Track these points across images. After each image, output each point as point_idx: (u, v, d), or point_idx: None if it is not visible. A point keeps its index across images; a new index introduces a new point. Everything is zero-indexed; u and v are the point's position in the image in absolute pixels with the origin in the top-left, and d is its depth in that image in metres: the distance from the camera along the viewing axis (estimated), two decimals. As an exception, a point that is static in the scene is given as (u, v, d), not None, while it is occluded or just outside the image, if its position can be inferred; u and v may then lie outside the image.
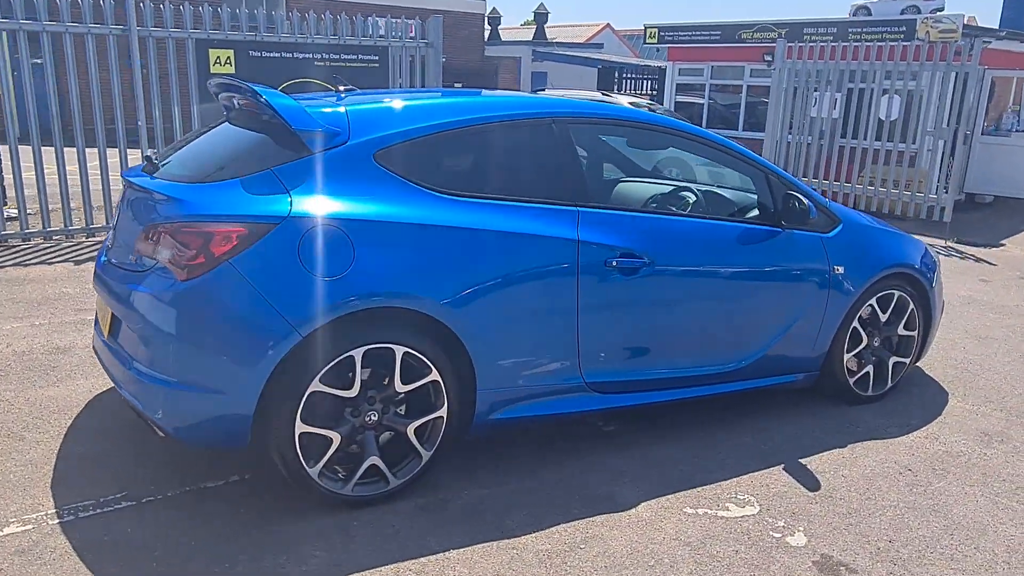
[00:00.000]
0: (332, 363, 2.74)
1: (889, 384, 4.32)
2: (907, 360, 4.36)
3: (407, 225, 2.87)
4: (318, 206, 2.76)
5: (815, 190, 4.79)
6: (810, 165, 11.06)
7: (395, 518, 2.90)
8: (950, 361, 5.05)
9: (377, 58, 8.11)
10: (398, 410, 2.95)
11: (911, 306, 4.26)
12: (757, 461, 3.54)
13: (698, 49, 14.24)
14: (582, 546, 2.81)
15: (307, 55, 7.70)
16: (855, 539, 2.94)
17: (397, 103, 3.19)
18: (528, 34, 33.94)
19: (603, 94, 13.76)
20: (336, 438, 2.82)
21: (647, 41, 14.54)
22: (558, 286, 3.16)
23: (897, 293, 4.19)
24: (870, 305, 4.10)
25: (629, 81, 20.23)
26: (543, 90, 13.63)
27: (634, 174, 4.27)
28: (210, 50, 7.18)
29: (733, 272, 3.65)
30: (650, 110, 12.92)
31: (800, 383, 4.07)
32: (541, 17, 33.08)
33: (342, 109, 3.01)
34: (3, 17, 6.30)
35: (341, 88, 3.51)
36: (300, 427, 2.73)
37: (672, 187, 4.14)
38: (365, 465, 2.88)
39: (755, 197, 3.90)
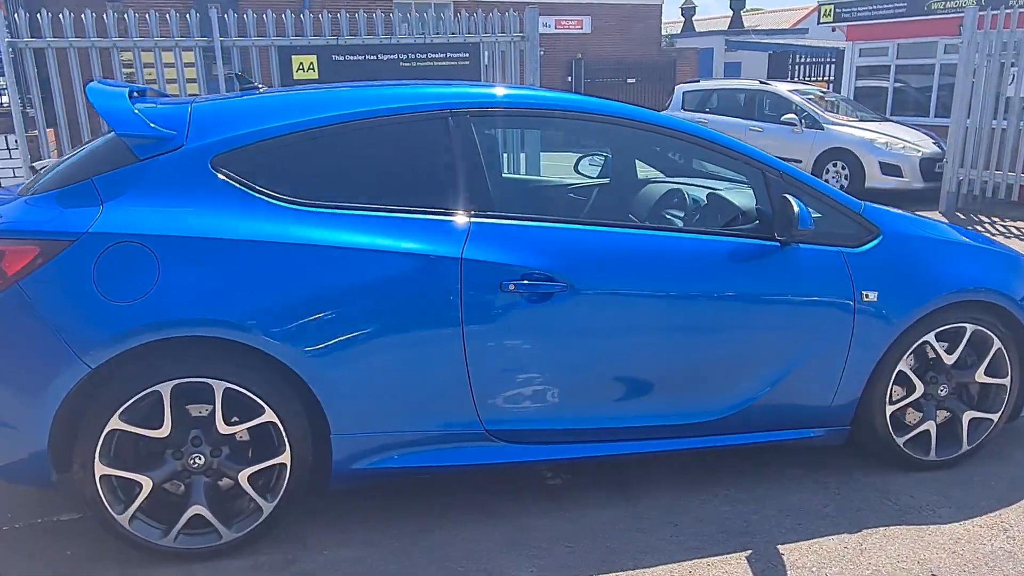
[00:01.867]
0: (133, 399, 2.40)
1: (964, 447, 3.25)
2: (994, 416, 3.26)
3: (232, 242, 2.46)
4: (125, 221, 2.43)
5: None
6: (1004, 156, 9.20)
7: (220, 578, 2.52)
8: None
9: (467, 55, 7.75)
10: (228, 454, 2.55)
11: (996, 345, 3.17)
12: (722, 542, 2.74)
13: (881, 25, 12.49)
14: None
15: (392, 56, 7.51)
16: None
17: (255, 100, 2.80)
18: (726, 24, 32.20)
19: (760, 82, 12.45)
20: (146, 483, 2.47)
21: (822, 20, 13.01)
22: (434, 314, 2.60)
23: (971, 327, 3.12)
24: (926, 342, 3.09)
25: (803, 67, 18.28)
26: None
27: (622, 175, 3.54)
28: (293, 57, 7.21)
29: (700, 298, 2.84)
30: (817, 100, 11.50)
31: (822, 440, 3.15)
32: (738, 3, 31.22)
33: (188, 109, 2.66)
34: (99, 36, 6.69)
35: (261, 87, 3.19)
36: (100, 469, 2.42)
37: (630, 191, 3.37)
38: (187, 515, 2.52)
39: (750, 203, 3.06)
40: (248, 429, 2.54)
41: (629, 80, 21.26)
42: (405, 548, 2.69)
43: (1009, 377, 3.23)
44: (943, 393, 3.20)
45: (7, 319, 2.37)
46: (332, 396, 2.56)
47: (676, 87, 13.51)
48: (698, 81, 13.58)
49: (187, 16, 6.90)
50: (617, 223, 2.84)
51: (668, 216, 3.42)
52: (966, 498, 3.04)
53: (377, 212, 2.61)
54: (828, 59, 17.68)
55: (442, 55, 7.63)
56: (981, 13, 9.33)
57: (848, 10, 12.74)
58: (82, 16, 6.69)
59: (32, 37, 6.57)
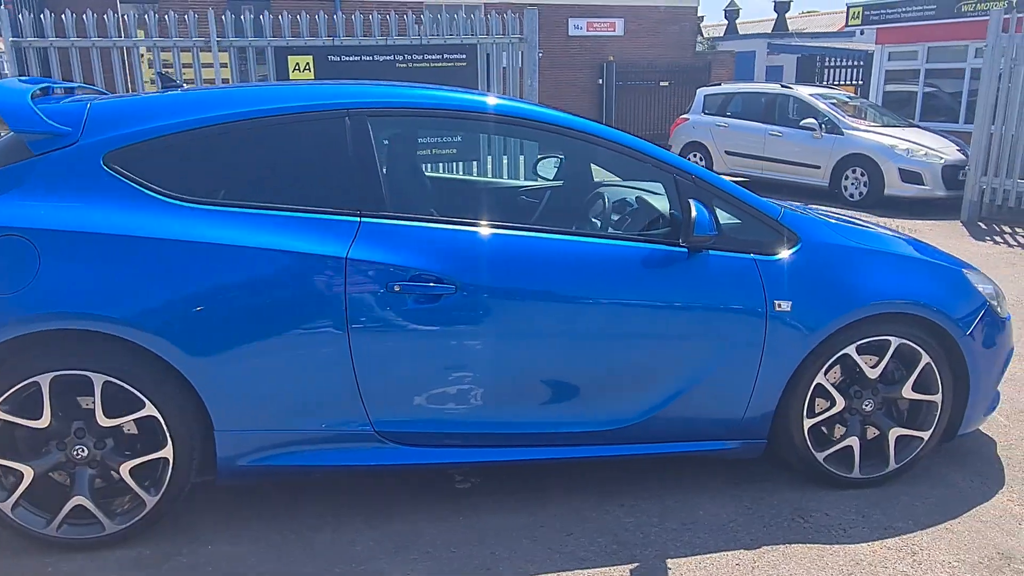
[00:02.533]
0: (12, 389, 2.45)
1: (892, 465, 3.13)
2: (924, 435, 3.13)
3: (114, 238, 2.49)
4: (8, 215, 2.48)
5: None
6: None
7: (97, 569, 2.55)
8: (1047, 437, 3.60)
9: (464, 56, 7.75)
10: (112, 447, 2.59)
11: (925, 360, 3.04)
12: (612, 553, 2.69)
13: (910, 28, 12.14)
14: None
15: (388, 57, 7.55)
16: None
17: (153, 98, 2.83)
18: (770, 27, 31.67)
19: (781, 86, 12.18)
20: (28, 472, 2.52)
21: (850, 23, 12.69)
22: (319, 314, 2.59)
23: (896, 340, 3.00)
24: (846, 355, 2.98)
25: (832, 71, 17.81)
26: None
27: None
28: (289, 57, 7.30)
29: (599, 304, 2.79)
30: (840, 104, 11.23)
31: (737, 453, 3.06)
32: (782, 7, 30.67)
33: (86, 106, 2.71)
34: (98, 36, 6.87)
35: (185, 86, 3.23)
36: (-19, 457, 2.48)
37: (537, 193, 3.32)
38: (69, 505, 2.56)
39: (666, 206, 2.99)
40: (135, 423, 2.57)
41: (662, 83, 21.04)
42: (289, 546, 2.70)
43: (940, 394, 3.09)
44: (868, 408, 3.09)
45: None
46: (215, 393, 2.57)
47: (698, 90, 13.32)
48: (720, 84, 13.36)
49: (186, 17, 7.04)
50: (517, 226, 2.80)
51: (592, 220, 3.37)
52: (883, 519, 2.92)
53: (267, 210, 2.62)
54: (858, 63, 17.25)
55: (439, 56, 7.65)
56: (1006, 16, 9.00)
57: (877, 12, 12.41)
58: (84, 16, 6.87)
59: (35, 37, 6.77)
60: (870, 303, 2.94)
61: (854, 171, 10.49)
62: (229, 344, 2.55)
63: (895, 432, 3.11)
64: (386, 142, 3.53)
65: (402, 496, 3.02)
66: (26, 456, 2.54)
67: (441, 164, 7.02)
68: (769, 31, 29.63)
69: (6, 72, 6.74)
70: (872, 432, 3.14)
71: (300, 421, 2.69)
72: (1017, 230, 8.82)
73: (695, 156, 12.82)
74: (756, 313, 2.87)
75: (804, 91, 11.68)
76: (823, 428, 3.13)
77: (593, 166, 3.69)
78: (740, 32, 30.28)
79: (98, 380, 2.49)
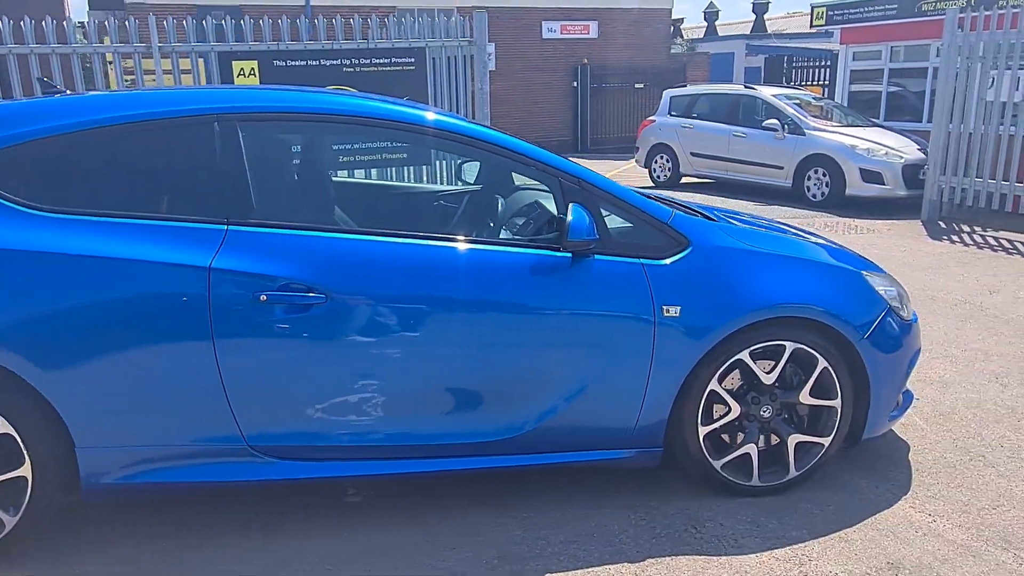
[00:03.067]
0: None
1: (793, 472, 3.07)
2: (824, 441, 3.07)
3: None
4: None
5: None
6: (985, 163, 8.83)
7: (-49, 594, 2.47)
8: (958, 436, 3.55)
9: (413, 60, 7.68)
10: (-35, 466, 2.50)
11: (822, 365, 2.99)
12: (493, 568, 2.61)
13: (873, 28, 12.14)
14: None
15: (335, 61, 7.47)
16: None
17: (12, 104, 2.75)
18: (749, 28, 31.72)
19: (745, 87, 12.15)
20: None
21: (815, 23, 12.68)
22: (182, 326, 2.51)
23: (791, 345, 2.95)
24: (740, 360, 2.92)
25: (800, 71, 17.82)
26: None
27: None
28: (233, 62, 7.22)
29: (479, 312, 2.72)
30: (804, 105, 11.18)
31: (634, 462, 2.99)
32: (760, 7, 30.74)
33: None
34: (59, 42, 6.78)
35: (68, 92, 3.14)
36: None
37: (456, 198, 3.25)
38: (-77, 527, 2.48)
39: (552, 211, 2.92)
40: (-8, 441, 2.48)
41: (637, 85, 21.04)
42: (156, 565, 2.61)
43: (840, 399, 3.03)
44: (767, 415, 3.03)
45: None
46: (74, 409, 2.49)
47: (664, 92, 13.30)
48: (686, 85, 13.33)
49: (127, 23, 6.95)
50: (398, 233, 2.72)
51: (492, 225, 3.30)
52: (778, 528, 2.86)
53: (129, 219, 2.54)
54: (826, 63, 17.26)
55: (387, 60, 7.58)
56: (961, 15, 9.00)
57: (840, 12, 12.41)
58: (43, 23, 6.74)
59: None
60: (762, 307, 2.88)
61: (816, 171, 10.47)
62: (87, 359, 2.47)
63: (794, 438, 3.05)
64: (296, 148, 3.47)
65: (290, 512, 2.94)
66: None
67: (393, 170, 6.95)
68: (748, 32, 29.71)
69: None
70: (772, 439, 3.08)
71: (168, 437, 2.61)
72: (976, 229, 8.81)
73: (662, 158, 12.81)
74: (644, 319, 2.80)
75: (767, 92, 11.66)
76: (722, 435, 3.07)
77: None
78: (720, 34, 30.32)
79: (-53, 397, 2.41)
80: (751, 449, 3.02)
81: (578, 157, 18.97)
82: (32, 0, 7.91)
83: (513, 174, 3.52)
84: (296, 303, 2.56)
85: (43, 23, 6.79)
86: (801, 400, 3.03)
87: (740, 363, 2.93)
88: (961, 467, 3.31)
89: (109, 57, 7.25)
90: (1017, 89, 8.66)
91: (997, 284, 6.38)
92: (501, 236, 3.17)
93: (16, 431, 2.46)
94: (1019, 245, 7.95)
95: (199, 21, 7.24)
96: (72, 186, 2.59)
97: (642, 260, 2.85)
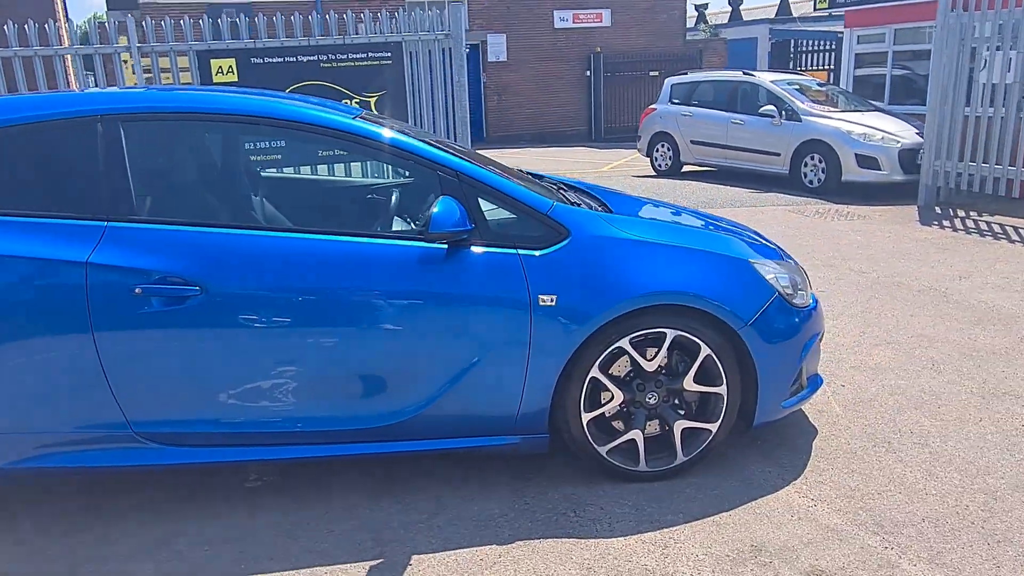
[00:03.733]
0: None
1: (680, 458, 3.11)
2: (711, 427, 3.11)
3: None
4: None
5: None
6: (978, 147, 8.65)
7: None
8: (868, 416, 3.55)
9: (390, 54, 7.77)
10: None
11: (705, 352, 3.02)
12: (365, 550, 2.71)
13: (877, 10, 11.90)
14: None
15: (311, 57, 7.60)
16: None
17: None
18: (773, 12, 31.21)
19: (743, 73, 12.01)
20: None
21: (818, 7, 12.47)
22: (62, 318, 2.64)
23: (672, 332, 2.98)
24: (620, 347, 2.96)
25: (806, 55, 17.49)
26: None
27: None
28: (212, 60, 7.38)
29: (351, 302, 2.80)
30: (804, 90, 11.04)
31: (523, 448, 3.05)
32: (785, -9, 30.23)
33: None
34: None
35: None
36: None
37: (386, 191, 3.33)
38: None
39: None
40: None
41: (651, 73, 20.88)
42: (48, 547, 2.76)
43: (725, 385, 3.06)
44: (653, 401, 3.07)
45: None
46: (-37, 397, 2.64)
47: (665, 80, 13.22)
48: (687, 73, 13.21)
49: (108, 25, 7.15)
50: (274, 227, 2.82)
51: (378, 218, 3.38)
52: (656, 512, 2.91)
53: (12, 216, 2.67)
54: (831, 47, 16.94)
55: (363, 55, 7.68)
56: (954, -5, 8.80)
57: (843, -5, 12.19)
58: (25, 26, 6.97)
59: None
60: (639, 295, 2.92)
61: (812, 158, 10.34)
62: (-22, 349, 2.61)
63: (680, 424, 3.09)
64: (211, 145, 3.56)
65: (181, 497, 3.07)
66: None
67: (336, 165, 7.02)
68: (772, 16, 29.25)
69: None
70: (660, 425, 3.12)
71: (58, 424, 2.74)
72: (971, 214, 8.65)
73: (663, 146, 12.74)
74: (520, 307, 2.86)
75: (765, 77, 11.53)
76: (612, 422, 3.12)
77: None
78: (744, 18, 29.91)
79: None
80: (636, 435, 3.06)
81: (591, 146, 18.94)
82: (23, 3, 8.12)
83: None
84: (171, 295, 2.68)
85: (45, 26, 7.03)
86: (686, 387, 3.06)
87: (621, 350, 2.98)
88: (862, 453, 3.31)
89: (125, 56, 7.50)
90: (1009, 71, 8.46)
91: (970, 270, 6.28)
92: (392, 229, 3.25)
93: (-95, 418, 2.62)
94: (1009, 230, 7.80)
95: (214, 20, 7.40)
96: (-38, 185, 2.73)
97: (519, 250, 2.91)
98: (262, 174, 3.32)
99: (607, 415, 3.10)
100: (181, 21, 7.38)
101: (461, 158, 3.04)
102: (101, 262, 2.65)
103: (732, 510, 2.92)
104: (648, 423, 3.11)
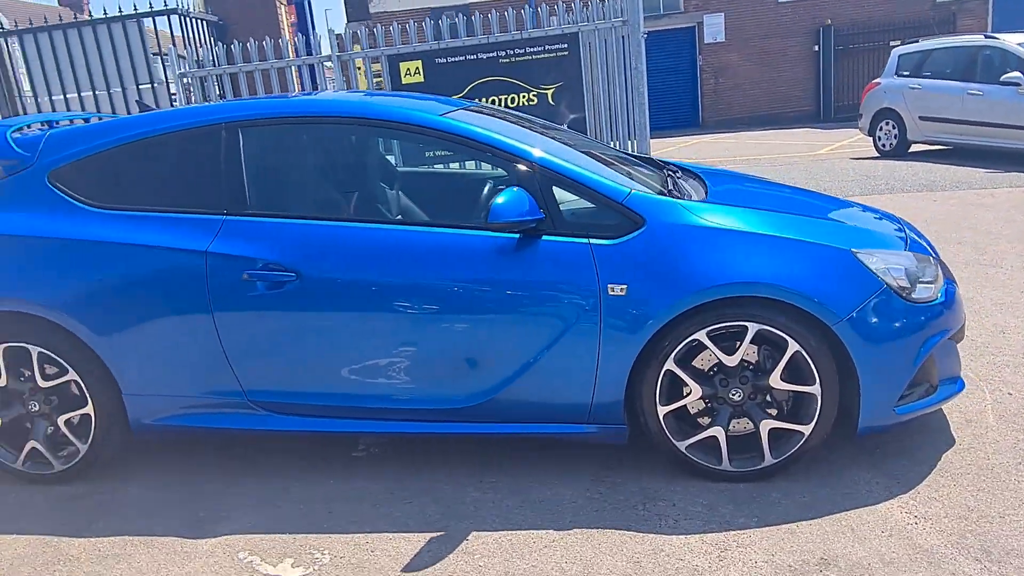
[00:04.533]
0: (-1, 353, 3.23)
1: (768, 459, 2.93)
2: (804, 429, 2.89)
3: (25, 239, 3.17)
4: (-24, 224, 3.27)
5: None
6: None
7: (42, 500, 3.27)
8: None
9: (566, 46, 7.83)
10: (49, 402, 3.28)
11: (794, 348, 2.81)
12: (432, 522, 2.87)
13: None
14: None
15: (491, 54, 7.87)
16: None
17: (92, 124, 3.46)
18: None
19: (985, 36, 10.51)
20: (-2, 420, 3.31)
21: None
22: (189, 298, 3.08)
23: (754, 327, 2.81)
24: (696, 340, 2.85)
25: None
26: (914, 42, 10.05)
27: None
28: (400, 63, 7.92)
29: (430, 289, 2.95)
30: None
31: (602, 438, 3.04)
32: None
33: (43, 132, 3.43)
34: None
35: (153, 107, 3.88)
36: None
37: (433, 181, 3.45)
38: (27, 447, 3.30)
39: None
40: (59, 384, 3.23)
41: (892, 43, 18.94)
42: (170, 487, 3.23)
43: (819, 385, 2.83)
44: (737, 398, 2.92)
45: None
46: (119, 362, 3.17)
47: (892, 50, 12.00)
48: (918, 41, 11.86)
49: (310, 39, 7.96)
50: (359, 218, 3.07)
51: (465, 209, 3.50)
52: (728, 513, 2.78)
53: (155, 212, 3.15)
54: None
55: (540, 48, 7.84)
56: None
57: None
58: (247, 45, 8.00)
59: (210, 67, 8.02)
60: (711, 286, 2.79)
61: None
62: (124, 325, 3.12)
63: (768, 424, 2.90)
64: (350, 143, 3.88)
65: (301, 459, 3.42)
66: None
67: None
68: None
69: (181, 98, 8.06)
70: (747, 424, 2.96)
71: (189, 389, 3.19)
72: None
73: (887, 124, 11.61)
74: (589, 296, 2.86)
75: (1013, 40, 10.08)
76: (697, 418, 3.01)
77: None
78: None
79: (34, 351, 3.19)
80: (718, 432, 2.93)
81: (816, 127, 17.69)
82: (258, 24, 9.26)
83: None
84: (272, 281, 3.01)
85: (263, 43, 8.03)
86: (773, 385, 2.87)
87: (700, 343, 2.86)
88: (999, 471, 2.90)
89: (359, 63, 8.39)
90: None
91: None
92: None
93: (80, 379, 3.19)
94: None
95: (435, 22, 8.03)
96: (113, 187, 3.25)
97: (591, 239, 2.90)
98: (361, 168, 3.57)
99: (689, 410, 2.99)
100: (406, 25, 8.00)
101: (537, 148, 3.07)
102: (218, 251, 3.04)
103: (815, 519, 2.70)
104: (734, 421, 2.96)
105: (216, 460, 3.48)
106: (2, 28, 8.19)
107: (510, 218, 2.80)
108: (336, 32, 8.00)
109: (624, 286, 2.84)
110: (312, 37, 9.61)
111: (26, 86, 8.34)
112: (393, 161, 4.36)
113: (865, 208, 3.67)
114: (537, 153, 3.03)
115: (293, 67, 8.48)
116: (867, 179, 9.51)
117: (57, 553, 2.87)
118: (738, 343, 2.86)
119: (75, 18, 8.90)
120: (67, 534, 2.98)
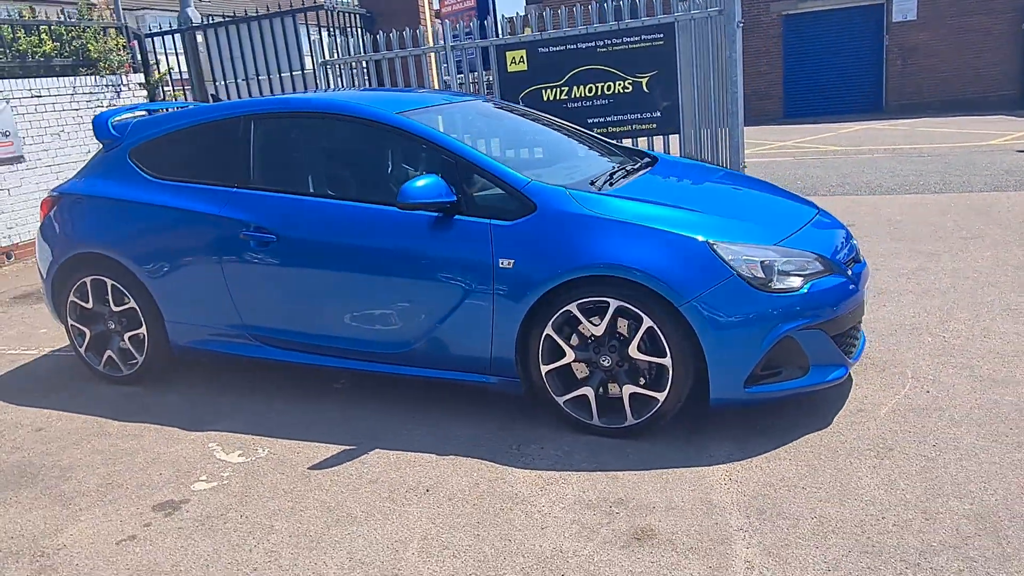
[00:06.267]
0: (77, 286, 4.40)
1: (631, 420, 3.37)
2: (659, 395, 3.29)
3: (107, 199, 4.28)
4: (78, 187, 4.43)
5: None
6: None
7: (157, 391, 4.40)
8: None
9: (662, 35, 8.06)
10: (120, 323, 4.39)
11: (647, 324, 3.23)
12: (348, 437, 3.62)
13: None
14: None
15: (590, 44, 8.29)
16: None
17: (165, 113, 4.49)
18: None
19: None
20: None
21: None
22: (207, 250, 4.03)
23: (615, 303, 3.26)
24: (568, 311, 3.35)
25: None
26: None
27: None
28: (507, 52, 8.56)
29: (366, 253, 3.67)
30: None
31: (502, 388, 3.62)
32: None
33: (133, 119, 4.52)
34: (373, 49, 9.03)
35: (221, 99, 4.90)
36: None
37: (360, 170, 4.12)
38: (105, 355, 4.45)
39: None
40: (125, 310, 4.32)
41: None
42: (194, 390, 4.22)
43: (669, 358, 3.22)
44: (606, 364, 3.37)
45: (47, 231, 4.54)
46: (163, 296, 4.20)
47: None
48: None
49: (408, 31, 8.84)
50: (321, 194, 3.87)
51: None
52: (578, 459, 3.25)
53: (193, 183, 4.13)
54: None
55: (636, 38, 8.18)
56: None
57: None
58: (389, 35, 9.06)
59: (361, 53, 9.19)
60: (579, 265, 3.26)
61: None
62: (166, 264, 4.15)
63: (629, 389, 3.34)
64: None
65: (294, 387, 4.29)
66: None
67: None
68: None
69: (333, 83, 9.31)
70: (614, 388, 3.40)
71: (209, 320, 4.16)
72: None
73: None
74: (485, 268, 3.44)
75: None
76: (583, 380, 3.49)
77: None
78: None
79: (108, 283, 4.31)
80: (588, 392, 3.40)
81: (1016, 115, 16.10)
82: (400, 14, 10.33)
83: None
84: (260, 240, 3.87)
85: (403, 32, 9.07)
86: (632, 355, 3.30)
87: (571, 314, 3.35)
88: (841, 455, 3.13)
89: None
90: None
91: None
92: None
93: (138, 307, 4.26)
94: None
95: (600, 5, 8.67)
96: (167, 163, 4.27)
97: (492, 220, 3.47)
98: (329, 153, 4.31)
99: (575, 372, 3.48)
100: (574, 8, 8.67)
101: (458, 142, 3.66)
102: (226, 215, 3.96)
103: (643, 471, 3.13)
104: (605, 385, 3.42)
105: (233, 380, 4.44)
106: (192, 23, 9.84)
107: (417, 199, 3.43)
108: (507, 16, 8.72)
109: (512, 261, 3.39)
110: (489, 21, 10.50)
111: (207, 73, 9.99)
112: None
113: (802, 208, 3.89)
114: (461, 147, 3.63)
115: (429, 54, 9.44)
116: (1005, 174, 8.87)
117: (99, 428, 3.96)
118: (603, 317, 3.31)
119: (234, 15, 10.48)
120: (113, 418, 4.07)
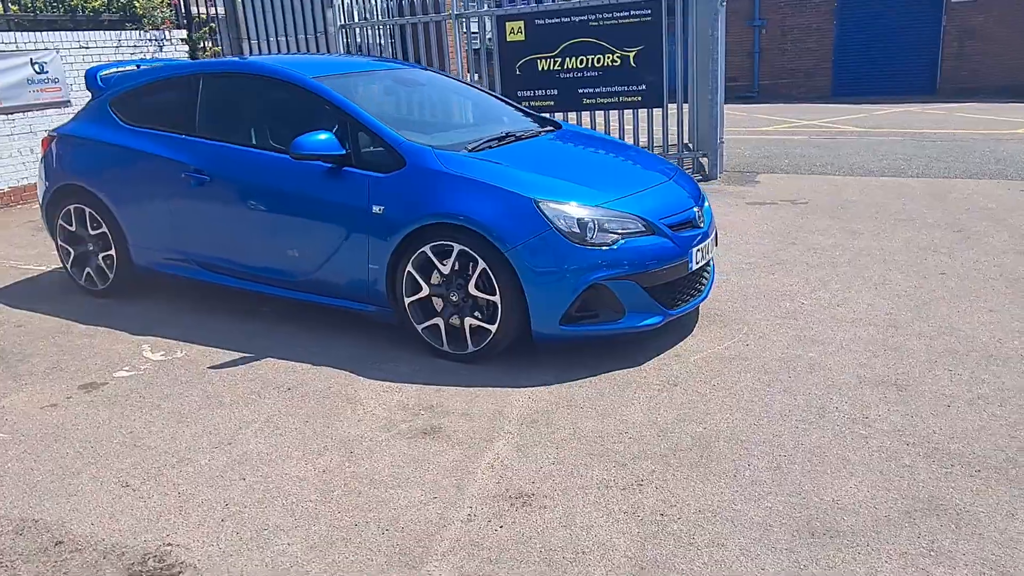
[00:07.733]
0: (61, 214, 5.27)
1: (471, 348, 3.99)
2: (491, 327, 3.90)
3: (96, 141, 5.10)
4: (70, 128, 5.29)
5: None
6: None
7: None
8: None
9: (649, 11, 8.40)
10: (96, 244, 5.24)
11: (481, 265, 3.83)
12: (244, 339, 4.36)
13: None
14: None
15: (583, 17, 8.70)
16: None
17: (140, 70, 5.27)
18: None
19: None
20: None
21: None
22: (159, 186, 4.82)
23: (457, 247, 3.87)
24: (424, 252, 3.97)
25: None
26: None
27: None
28: (506, 23, 9.06)
29: (275, 194, 4.37)
30: None
31: (379, 317, 4.29)
32: None
33: (117, 72, 5.33)
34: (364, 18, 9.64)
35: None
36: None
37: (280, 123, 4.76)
38: (85, 272, 5.32)
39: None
40: (97, 237, 5.16)
41: None
42: (161, 308, 5.04)
43: (498, 296, 3.82)
44: (455, 299, 4.00)
45: (48, 162, 5.42)
46: (127, 224, 5.03)
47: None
48: None
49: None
50: (242, 143, 4.58)
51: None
52: (418, 374, 3.90)
53: (157, 130, 4.91)
54: None
55: (625, 13, 8.58)
56: None
57: None
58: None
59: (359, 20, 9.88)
60: (428, 214, 3.89)
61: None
62: (131, 197, 4.96)
63: (468, 321, 3.96)
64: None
65: (234, 306, 5.06)
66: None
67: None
68: None
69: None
70: (460, 320, 4.02)
71: (161, 245, 4.97)
72: None
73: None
74: (362, 213, 4.10)
75: None
76: (426, 306, 4.11)
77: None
78: None
79: (86, 210, 5.15)
80: (439, 322, 4.04)
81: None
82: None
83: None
84: (198, 180, 4.63)
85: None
86: (471, 292, 3.91)
87: (426, 255, 3.98)
88: (613, 391, 3.65)
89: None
90: None
91: None
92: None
93: (108, 231, 5.10)
94: None
95: None
96: (137, 111, 5.06)
97: (371, 173, 4.11)
98: (256, 108, 4.97)
99: (434, 304, 4.12)
100: None
101: (353, 102, 4.29)
102: (174, 158, 4.72)
103: (463, 387, 3.75)
104: (454, 317, 4.04)
105: (184, 298, 5.23)
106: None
107: (305, 151, 4.10)
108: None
109: (383, 207, 4.03)
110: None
111: (243, 31, 10.85)
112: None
113: (653, 176, 4.38)
114: (354, 108, 4.27)
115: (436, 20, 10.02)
116: (994, 163, 8.93)
117: (66, 328, 4.83)
118: (450, 258, 3.93)
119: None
120: (79, 321, 4.93)
